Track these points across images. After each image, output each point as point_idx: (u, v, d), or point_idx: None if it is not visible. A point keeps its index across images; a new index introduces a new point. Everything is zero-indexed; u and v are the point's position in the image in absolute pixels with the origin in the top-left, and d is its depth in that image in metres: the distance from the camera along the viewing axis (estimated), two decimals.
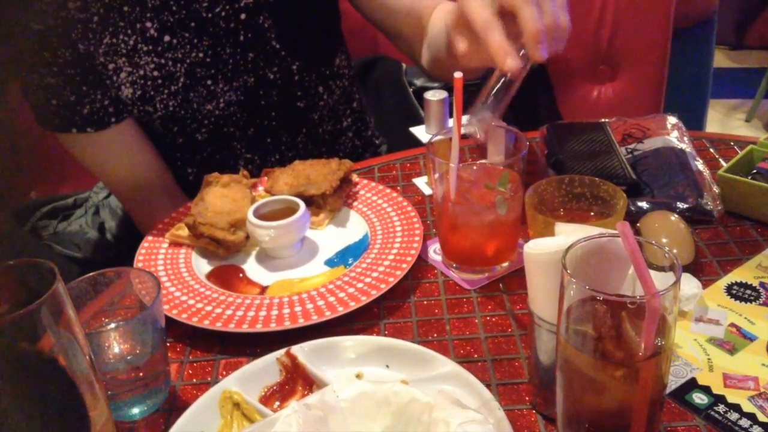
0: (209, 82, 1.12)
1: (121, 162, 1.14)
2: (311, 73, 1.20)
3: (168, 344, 0.82)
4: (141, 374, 0.71)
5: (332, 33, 1.25)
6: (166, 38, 1.07)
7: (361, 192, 1.06)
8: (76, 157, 1.15)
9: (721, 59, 3.77)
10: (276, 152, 1.22)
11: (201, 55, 1.10)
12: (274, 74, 1.16)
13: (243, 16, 1.10)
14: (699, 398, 0.70)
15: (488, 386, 0.70)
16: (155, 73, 1.08)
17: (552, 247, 0.62)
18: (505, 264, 0.90)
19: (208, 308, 0.85)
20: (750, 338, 0.76)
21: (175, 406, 0.75)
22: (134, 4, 1.04)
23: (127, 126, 1.12)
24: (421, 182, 1.11)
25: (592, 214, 0.84)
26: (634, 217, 0.91)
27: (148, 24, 1.05)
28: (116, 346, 0.71)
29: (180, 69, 1.09)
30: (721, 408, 0.69)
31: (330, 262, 0.95)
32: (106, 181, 1.20)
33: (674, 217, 0.89)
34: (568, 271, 0.54)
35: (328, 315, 0.82)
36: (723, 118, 3.39)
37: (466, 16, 0.83)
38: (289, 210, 0.95)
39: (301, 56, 1.17)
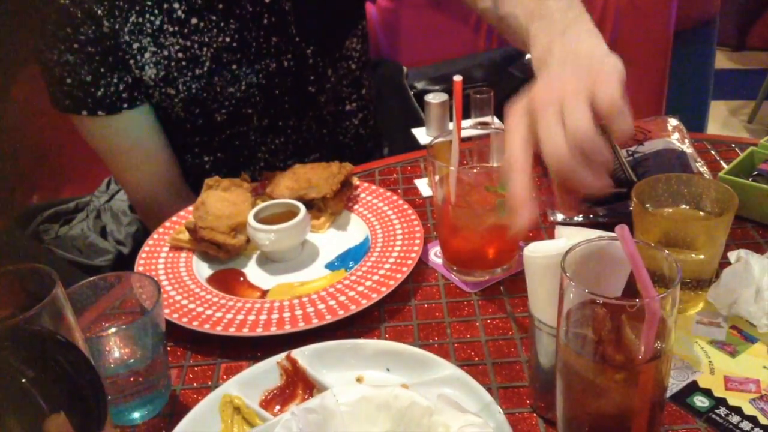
0: (234, 66, 1.12)
1: (129, 149, 1.14)
2: (324, 57, 1.20)
3: (168, 348, 0.82)
4: (141, 379, 0.71)
5: (350, 14, 1.24)
6: (193, 20, 1.07)
7: (362, 195, 1.06)
8: (86, 139, 1.14)
9: (723, 60, 3.77)
10: (282, 135, 1.22)
11: (227, 39, 1.09)
12: (288, 61, 1.16)
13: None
14: (700, 401, 0.70)
15: (489, 389, 0.70)
16: (180, 55, 1.08)
17: (552, 250, 0.62)
18: (506, 266, 0.90)
19: (209, 312, 0.85)
20: (751, 340, 0.76)
21: (175, 411, 0.75)
22: None
23: (140, 114, 1.11)
24: (422, 183, 1.11)
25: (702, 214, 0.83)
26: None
27: (176, 5, 1.05)
28: (117, 350, 0.71)
29: (206, 53, 1.09)
30: (722, 411, 0.68)
31: (331, 266, 0.95)
32: (113, 166, 1.20)
33: None
34: (567, 275, 0.54)
35: (329, 318, 0.82)
36: (725, 120, 3.39)
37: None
38: (290, 213, 0.95)
39: (315, 41, 1.17)
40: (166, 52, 1.07)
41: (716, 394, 0.70)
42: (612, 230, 0.55)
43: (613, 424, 0.59)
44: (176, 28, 1.06)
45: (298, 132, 1.23)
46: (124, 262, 1.25)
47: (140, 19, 1.04)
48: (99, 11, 1.02)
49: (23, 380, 0.50)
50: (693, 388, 0.71)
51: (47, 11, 1.01)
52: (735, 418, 0.67)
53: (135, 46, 1.05)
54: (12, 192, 1.44)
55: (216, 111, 1.15)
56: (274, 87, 1.16)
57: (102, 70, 1.05)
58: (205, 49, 1.09)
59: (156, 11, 1.05)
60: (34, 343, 0.53)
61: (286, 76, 1.17)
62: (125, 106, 1.08)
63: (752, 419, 0.67)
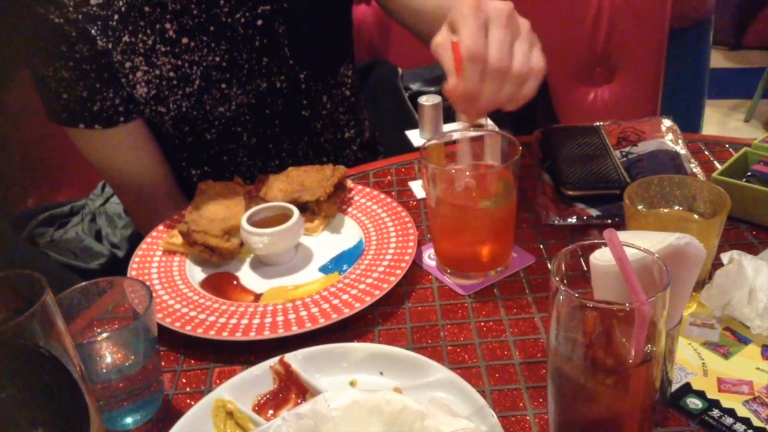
0: (223, 85, 1.12)
1: (126, 161, 1.14)
2: (318, 82, 1.20)
3: (161, 353, 0.82)
4: (134, 384, 0.71)
5: (342, 41, 1.25)
6: (184, 40, 1.07)
7: (356, 198, 1.06)
8: (81, 151, 1.15)
9: (719, 59, 3.77)
10: (276, 158, 1.22)
11: (217, 59, 1.10)
12: (281, 83, 1.16)
13: (260, 22, 1.11)
14: (693, 403, 0.69)
15: (482, 392, 0.70)
16: (171, 74, 1.08)
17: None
18: (500, 269, 0.90)
19: (202, 316, 0.84)
20: (744, 342, 0.76)
21: (168, 416, 0.74)
22: (155, 5, 1.04)
23: (136, 126, 1.11)
24: (416, 185, 1.11)
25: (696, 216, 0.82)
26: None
27: (168, 25, 1.05)
28: (108, 356, 0.71)
29: (196, 71, 1.09)
30: (715, 413, 0.68)
31: (324, 269, 0.95)
32: (109, 178, 1.20)
33: None
34: (557, 278, 0.53)
35: (322, 322, 0.81)
36: (722, 119, 3.39)
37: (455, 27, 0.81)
38: (283, 217, 0.95)
39: (309, 65, 1.18)
40: (157, 71, 1.07)
41: (709, 395, 0.70)
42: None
43: (605, 428, 0.58)
44: (168, 48, 1.06)
45: (294, 156, 1.23)
46: (119, 266, 1.25)
47: (133, 39, 1.04)
48: (92, 31, 1.02)
49: (2, 395, 0.49)
50: (686, 390, 0.71)
51: (41, 29, 1.01)
52: (728, 420, 0.67)
53: (127, 65, 1.05)
54: (7, 195, 1.43)
55: (206, 131, 1.15)
56: (265, 107, 1.17)
57: (98, 85, 1.05)
58: (195, 67, 1.09)
59: (148, 31, 1.05)
60: (15, 357, 0.51)
61: (277, 97, 1.17)
62: (122, 119, 1.09)
63: (745, 421, 0.67)
